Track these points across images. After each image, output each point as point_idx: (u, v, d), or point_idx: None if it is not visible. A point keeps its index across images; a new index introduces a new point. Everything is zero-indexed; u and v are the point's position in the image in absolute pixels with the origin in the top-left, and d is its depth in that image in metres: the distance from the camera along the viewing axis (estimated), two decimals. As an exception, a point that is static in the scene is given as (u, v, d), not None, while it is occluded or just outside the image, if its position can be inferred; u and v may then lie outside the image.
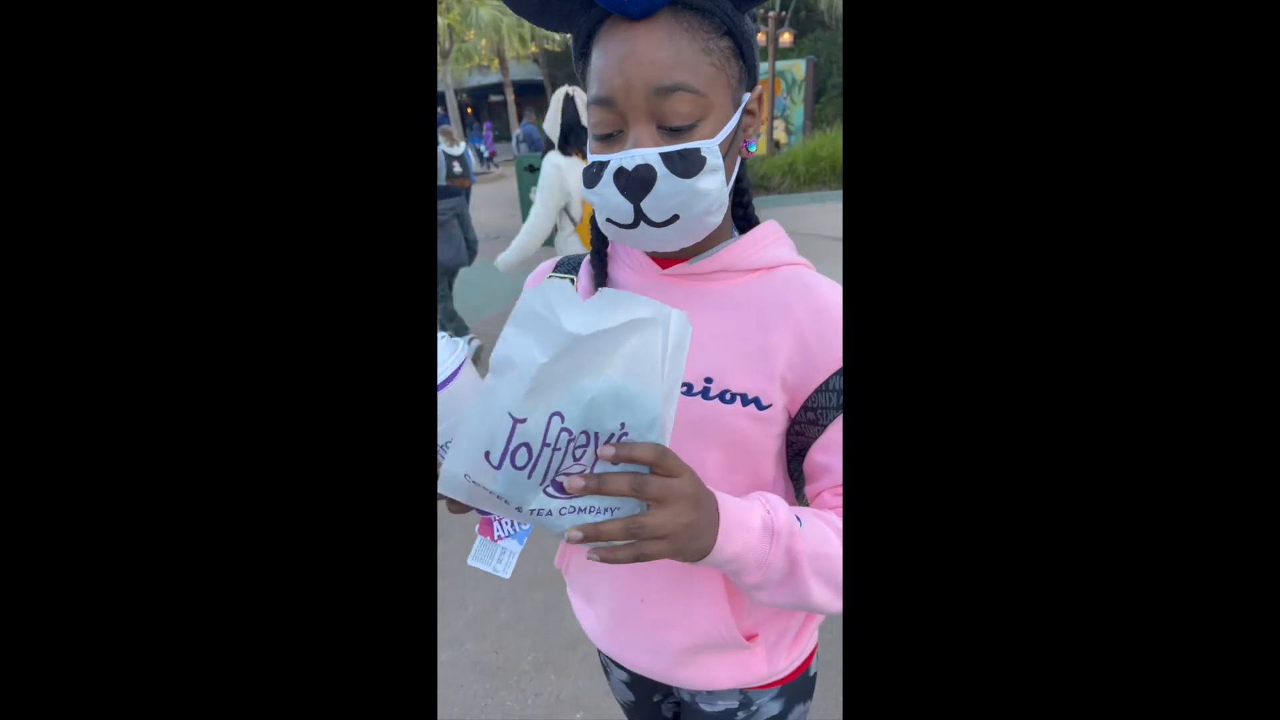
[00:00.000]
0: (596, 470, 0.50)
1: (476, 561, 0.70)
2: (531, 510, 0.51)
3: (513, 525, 0.71)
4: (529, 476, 0.49)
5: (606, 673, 0.92)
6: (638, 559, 0.51)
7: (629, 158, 0.58)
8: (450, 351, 0.57)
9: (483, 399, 0.48)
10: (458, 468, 0.49)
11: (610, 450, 0.49)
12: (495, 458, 0.48)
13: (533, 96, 20.39)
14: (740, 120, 0.62)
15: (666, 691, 0.87)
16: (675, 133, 0.58)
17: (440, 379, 0.54)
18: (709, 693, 0.77)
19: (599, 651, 0.87)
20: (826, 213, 6.91)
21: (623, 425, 0.50)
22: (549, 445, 0.49)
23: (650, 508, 0.51)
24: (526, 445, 0.48)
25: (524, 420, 0.47)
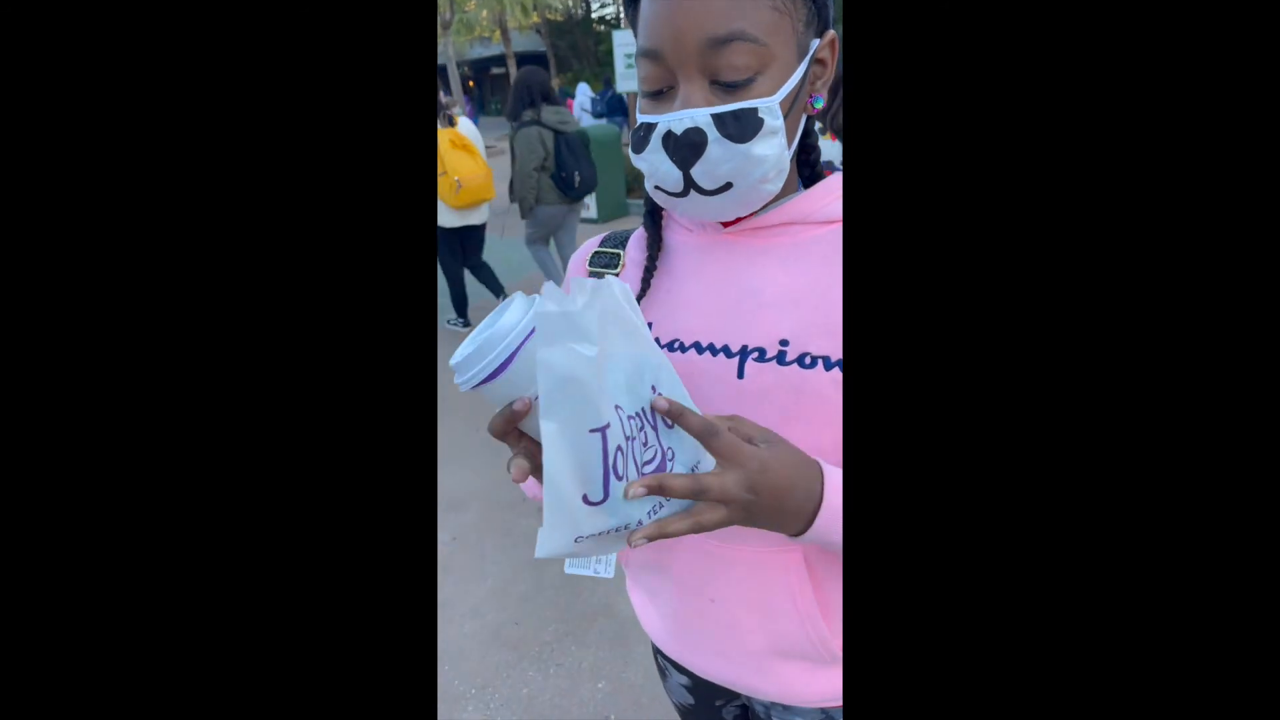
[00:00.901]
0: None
1: (574, 568, 0.64)
2: (649, 512, 0.48)
3: None
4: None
5: (663, 675, 0.83)
6: (695, 528, 0.48)
7: (677, 120, 0.52)
8: (527, 308, 0.51)
9: (552, 453, 0.43)
10: (562, 540, 0.45)
11: (664, 403, 0.47)
12: (596, 492, 0.45)
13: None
14: (808, 72, 0.55)
15: (731, 695, 0.79)
16: (730, 89, 0.52)
17: (531, 327, 0.47)
18: (785, 707, 0.70)
19: (655, 652, 0.81)
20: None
21: (654, 389, 0.48)
22: (630, 438, 0.46)
23: (718, 467, 0.48)
24: (620, 449, 0.45)
25: (607, 425, 0.45)
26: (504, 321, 0.48)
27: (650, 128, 0.55)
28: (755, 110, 0.52)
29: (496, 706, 1.67)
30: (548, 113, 3.47)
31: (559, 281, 4.56)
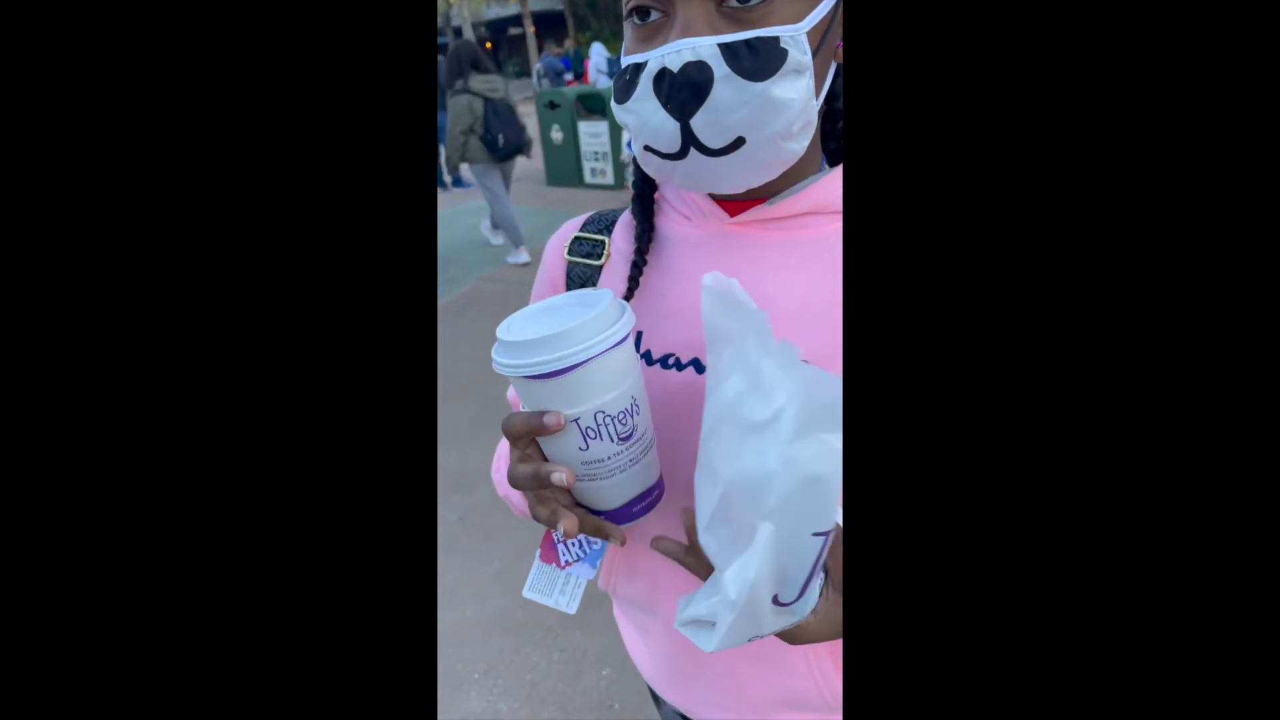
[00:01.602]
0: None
1: (534, 594, 0.58)
2: (818, 600, 0.43)
3: (584, 546, 0.59)
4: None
5: (656, 702, 0.76)
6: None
7: (674, 52, 0.41)
8: (619, 314, 0.44)
9: (761, 556, 0.36)
10: (740, 639, 0.39)
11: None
12: (791, 593, 0.39)
13: (553, 29, 19.65)
14: (839, 6, 0.44)
15: None
16: (742, 12, 0.41)
17: (608, 345, 0.41)
18: None
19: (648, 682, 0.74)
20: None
21: None
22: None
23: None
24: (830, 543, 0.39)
25: (833, 528, 0.38)
26: (590, 321, 0.41)
27: (637, 69, 0.44)
28: (776, 40, 0.40)
29: (499, 692, 1.66)
30: (476, 81, 3.86)
31: (520, 235, 4.57)
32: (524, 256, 4.51)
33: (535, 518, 0.47)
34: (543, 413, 0.42)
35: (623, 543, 0.46)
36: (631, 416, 0.44)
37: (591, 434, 0.43)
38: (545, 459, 0.45)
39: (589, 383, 0.41)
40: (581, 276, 0.59)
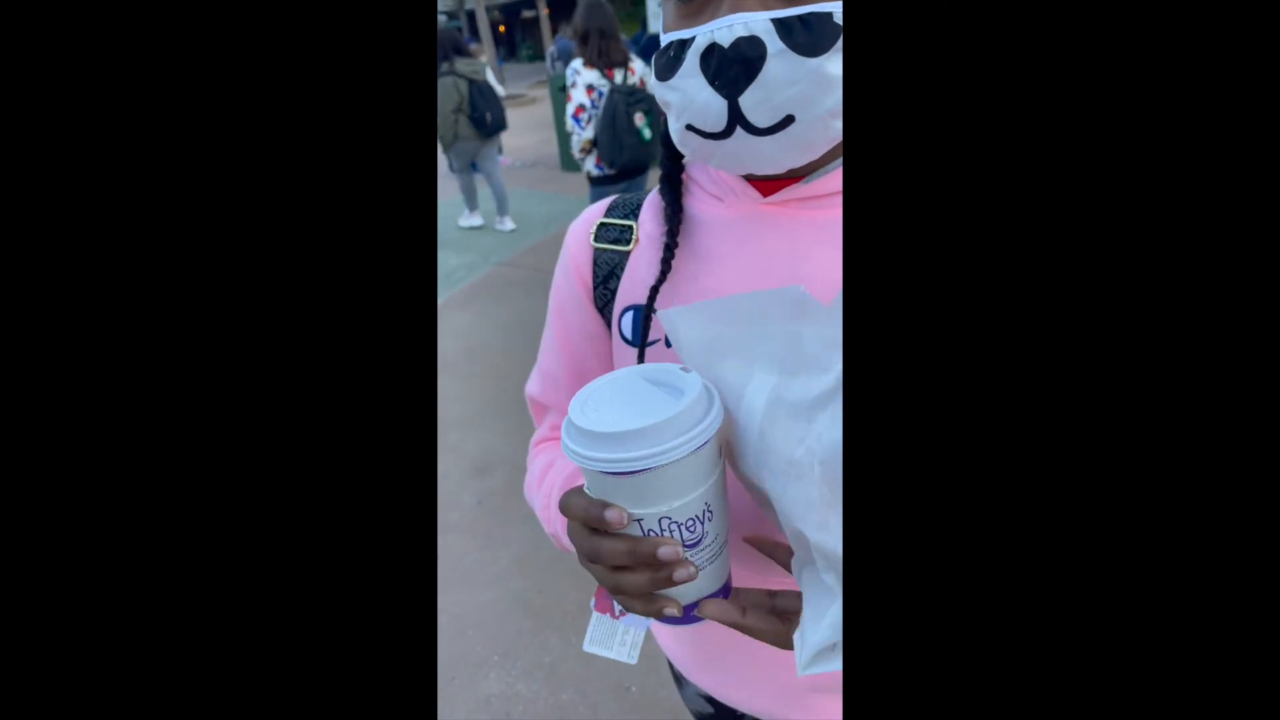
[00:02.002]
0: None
1: (594, 647, 0.58)
2: None
3: None
4: None
5: (679, 683, 0.75)
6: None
7: (725, 28, 0.40)
8: (705, 408, 0.40)
9: None
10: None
11: None
12: None
13: (567, 11, 19.49)
14: None
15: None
16: None
17: (686, 451, 0.38)
18: None
19: (670, 663, 0.74)
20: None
21: None
22: None
23: None
24: None
25: None
26: (670, 420, 0.38)
27: (683, 45, 0.43)
28: (830, 15, 0.40)
29: (518, 674, 1.68)
30: (461, 64, 4.17)
31: (476, 200, 4.88)
32: (477, 220, 4.95)
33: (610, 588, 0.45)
34: (605, 505, 0.40)
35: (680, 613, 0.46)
36: (701, 523, 0.41)
37: (654, 535, 0.41)
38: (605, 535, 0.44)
39: (659, 487, 0.39)
40: (609, 264, 0.58)
